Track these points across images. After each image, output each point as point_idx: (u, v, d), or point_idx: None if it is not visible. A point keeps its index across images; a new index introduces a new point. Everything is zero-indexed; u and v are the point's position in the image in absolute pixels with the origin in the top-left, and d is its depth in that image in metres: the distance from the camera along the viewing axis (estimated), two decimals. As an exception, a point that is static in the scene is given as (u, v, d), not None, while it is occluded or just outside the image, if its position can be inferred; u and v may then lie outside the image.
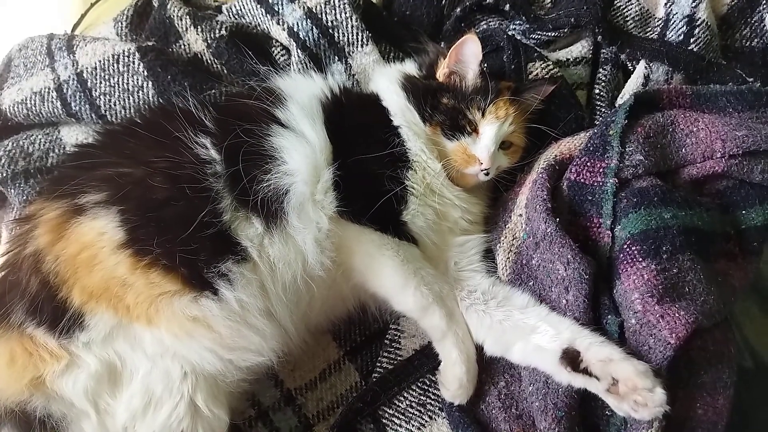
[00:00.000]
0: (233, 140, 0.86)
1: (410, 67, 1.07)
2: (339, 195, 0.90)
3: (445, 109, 0.98)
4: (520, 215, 0.94)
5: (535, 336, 0.86)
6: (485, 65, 1.05)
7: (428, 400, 0.97)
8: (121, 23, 1.22)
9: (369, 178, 0.93)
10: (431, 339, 0.95)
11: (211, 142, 0.87)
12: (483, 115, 0.97)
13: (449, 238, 1.00)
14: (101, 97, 1.10)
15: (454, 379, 0.89)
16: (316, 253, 0.87)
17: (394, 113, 1.00)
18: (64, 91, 1.11)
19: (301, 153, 0.89)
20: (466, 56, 0.99)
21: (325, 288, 0.91)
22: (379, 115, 1.00)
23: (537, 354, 0.86)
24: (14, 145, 1.12)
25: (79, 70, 1.11)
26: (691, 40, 1.11)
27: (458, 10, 1.20)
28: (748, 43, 1.19)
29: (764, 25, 1.17)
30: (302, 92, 0.98)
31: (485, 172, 0.97)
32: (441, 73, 1.02)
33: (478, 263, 1.00)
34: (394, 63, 1.13)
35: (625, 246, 0.84)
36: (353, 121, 0.98)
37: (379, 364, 1.01)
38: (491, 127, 0.97)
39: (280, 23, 1.12)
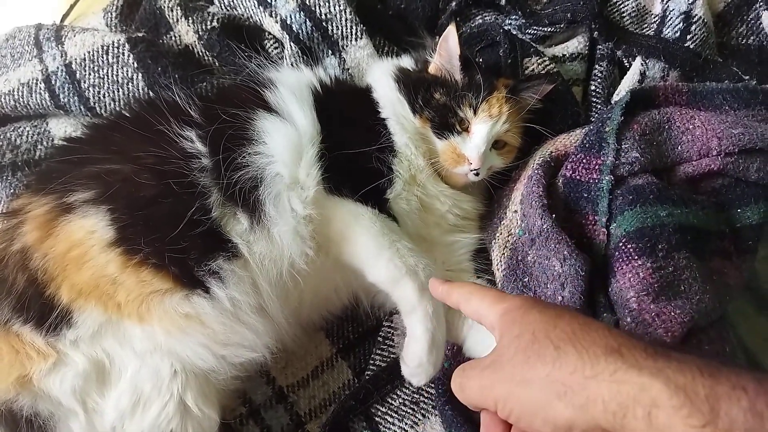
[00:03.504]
0: (217, 127, 0.84)
1: (406, 61, 1.06)
2: (323, 173, 0.88)
3: (437, 105, 0.96)
4: (515, 211, 0.94)
5: None
6: (480, 59, 1.04)
7: (421, 399, 0.96)
8: (111, 14, 1.20)
9: (355, 157, 0.91)
10: (400, 312, 0.90)
11: (197, 135, 0.85)
12: (475, 113, 0.95)
13: (436, 233, 0.98)
14: (90, 88, 1.08)
15: (413, 356, 0.85)
16: (297, 243, 0.85)
17: (383, 105, 0.98)
18: (53, 82, 1.09)
19: (282, 134, 0.87)
20: (447, 50, 0.97)
21: (314, 279, 0.89)
22: (367, 107, 0.98)
23: None
24: (1, 137, 1.10)
25: (67, 62, 1.09)
26: (688, 37, 1.11)
27: (453, 4, 1.19)
28: (744, 40, 1.19)
29: (760, 23, 1.17)
30: (293, 80, 0.97)
31: (475, 172, 0.95)
32: (432, 68, 1.00)
33: (468, 263, 0.99)
34: (390, 58, 1.11)
35: (621, 244, 0.84)
36: (342, 110, 0.97)
37: (372, 362, 1.00)
38: (483, 126, 0.95)
39: (273, 15, 1.11)
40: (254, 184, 0.83)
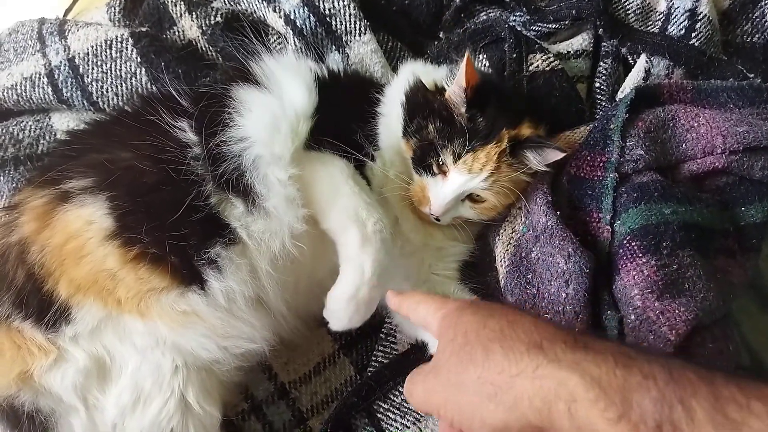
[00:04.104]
0: (201, 110, 0.84)
1: (440, 73, 0.97)
2: (309, 134, 0.88)
3: (425, 138, 0.89)
4: (519, 208, 0.93)
5: None
6: (486, 63, 1.03)
7: (424, 395, 0.96)
8: (114, 8, 1.19)
9: (342, 129, 0.90)
10: (339, 258, 0.86)
11: (189, 124, 0.85)
12: (455, 161, 0.87)
13: (422, 233, 0.98)
14: (93, 83, 1.07)
15: (333, 297, 0.84)
16: (291, 209, 0.84)
17: (385, 103, 0.96)
18: (56, 76, 1.09)
19: (259, 104, 0.86)
20: (457, 82, 0.87)
21: (310, 257, 0.89)
22: (370, 96, 0.96)
23: None
24: (4, 131, 1.09)
25: (70, 56, 1.09)
26: (693, 35, 1.10)
27: (458, 0, 1.19)
28: (749, 38, 1.18)
29: (765, 21, 1.17)
30: (293, 59, 0.97)
31: (435, 218, 0.91)
32: (448, 93, 0.90)
33: (454, 271, 0.99)
34: (428, 64, 1.06)
35: (625, 241, 0.83)
36: (344, 92, 0.97)
37: (374, 358, 1.00)
38: (457, 177, 0.87)
39: (277, 11, 1.10)
40: (240, 173, 0.83)
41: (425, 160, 0.89)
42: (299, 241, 0.85)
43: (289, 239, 0.84)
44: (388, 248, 0.85)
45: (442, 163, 0.88)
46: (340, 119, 0.91)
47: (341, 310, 0.83)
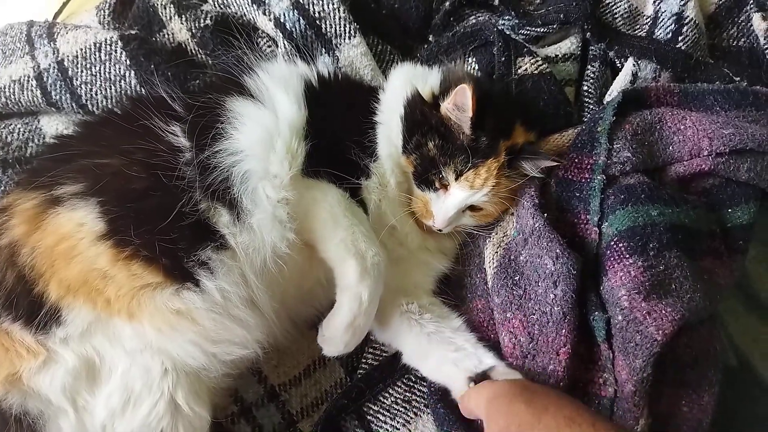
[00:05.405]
0: (194, 118, 0.84)
1: (433, 78, 0.98)
2: (304, 158, 0.88)
3: (425, 155, 0.91)
4: (512, 214, 0.94)
5: (457, 354, 0.88)
6: (472, 65, 1.03)
7: (413, 397, 0.96)
8: (104, 11, 1.19)
9: (336, 146, 0.91)
10: (336, 286, 0.87)
11: (181, 129, 0.85)
12: (457, 178, 0.90)
13: (419, 239, 0.99)
14: (82, 86, 1.07)
15: (331, 327, 0.86)
16: (277, 229, 0.85)
17: (382, 111, 0.96)
18: (45, 79, 1.08)
19: (254, 119, 0.87)
20: (462, 106, 0.88)
21: (296, 270, 0.89)
22: (364, 105, 0.96)
23: (450, 369, 0.88)
24: (-8, 134, 1.09)
25: (59, 59, 1.08)
26: (679, 39, 1.12)
27: (447, 3, 1.19)
28: (735, 42, 1.20)
29: (751, 25, 1.18)
30: (283, 69, 0.97)
31: (438, 229, 0.93)
32: (443, 109, 0.91)
33: (432, 284, 1.00)
34: (418, 66, 1.06)
35: (612, 243, 0.84)
36: (337, 101, 0.97)
37: (364, 360, 1.00)
38: (459, 193, 0.90)
39: (267, 14, 1.10)
40: (228, 185, 0.83)
41: (427, 176, 0.91)
42: (282, 261, 0.85)
43: (272, 258, 0.84)
44: (383, 276, 0.87)
45: (443, 178, 0.90)
46: (334, 136, 0.92)
47: (338, 338, 0.86)
